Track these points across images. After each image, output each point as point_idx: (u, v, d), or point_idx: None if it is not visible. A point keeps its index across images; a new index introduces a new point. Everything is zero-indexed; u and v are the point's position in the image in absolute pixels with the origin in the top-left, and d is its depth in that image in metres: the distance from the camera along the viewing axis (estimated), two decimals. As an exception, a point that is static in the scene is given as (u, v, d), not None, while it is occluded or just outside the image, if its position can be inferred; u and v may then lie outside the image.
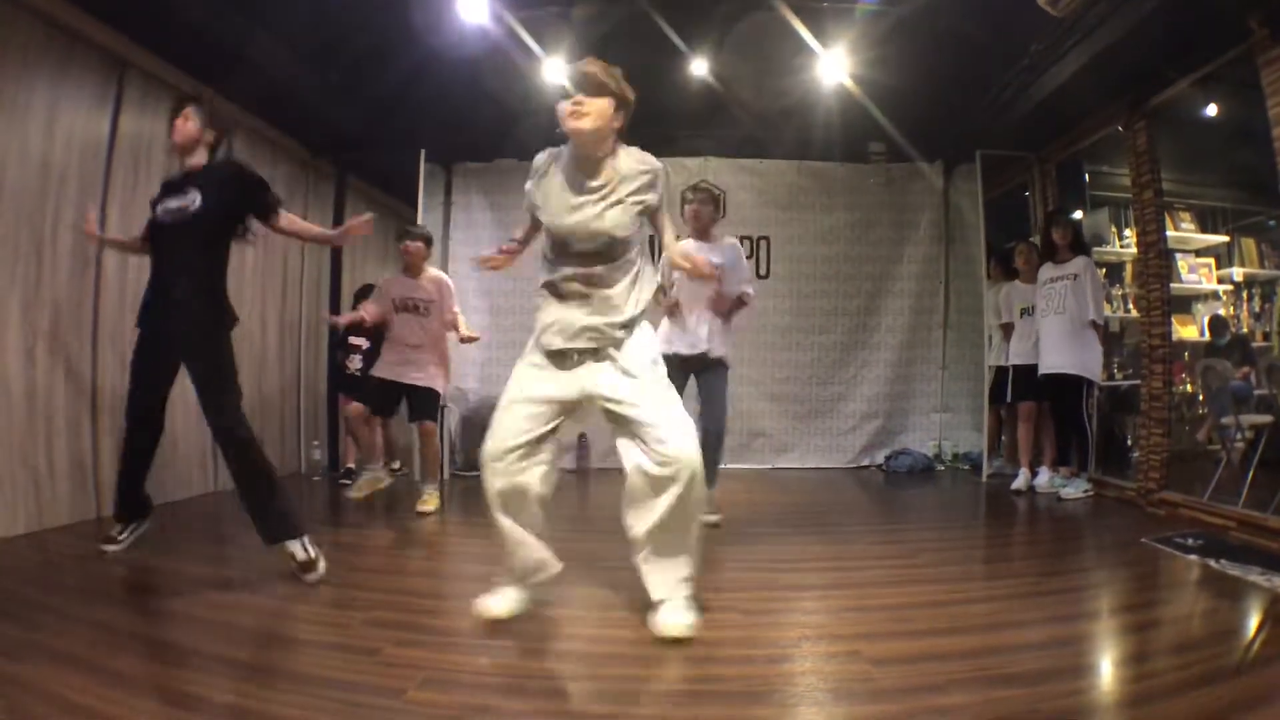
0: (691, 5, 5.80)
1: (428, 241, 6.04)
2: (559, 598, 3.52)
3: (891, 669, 2.66)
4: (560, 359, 3.18)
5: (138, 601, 3.50)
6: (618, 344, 3.16)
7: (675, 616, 3.01)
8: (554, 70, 6.45)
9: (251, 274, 6.91)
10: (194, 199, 3.90)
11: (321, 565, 3.77)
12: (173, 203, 3.95)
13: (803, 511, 5.36)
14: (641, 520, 3.11)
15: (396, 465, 7.73)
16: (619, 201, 3.13)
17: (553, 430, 3.22)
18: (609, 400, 3.12)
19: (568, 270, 3.15)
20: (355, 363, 7.20)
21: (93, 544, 4.24)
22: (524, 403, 3.16)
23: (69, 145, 5.07)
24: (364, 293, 7.42)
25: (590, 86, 3.07)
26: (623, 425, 3.13)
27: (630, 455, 3.12)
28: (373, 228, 4.19)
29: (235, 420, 3.87)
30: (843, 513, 5.91)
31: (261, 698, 2.43)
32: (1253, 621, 3.35)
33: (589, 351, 3.16)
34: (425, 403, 5.90)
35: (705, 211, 5.21)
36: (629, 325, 3.19)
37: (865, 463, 8.21)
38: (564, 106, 3.07)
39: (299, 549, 3.75)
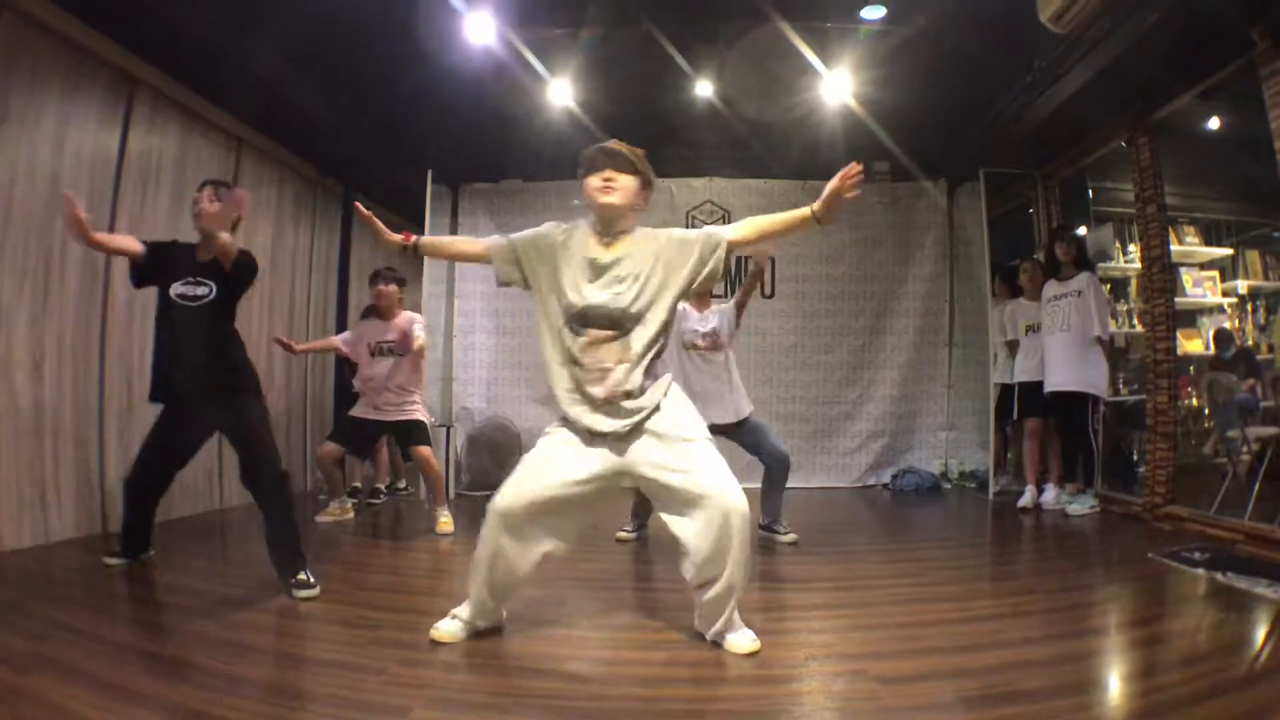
0: (696, 27, 5.84)
1: (400, 284, 6.07)
2: (567, 618, 3.53)
3: (899, 687, 2.66)
4: (594, 436, 3.11)
5: (144, 616, 3.53)
6: (653, 413, 3.09)
7: (741, 637, 3.04)
8: (560, 92, 6.49)
9: (259, 294, 6.93)
10: (210, 289, 4.08)
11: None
12: (188, 289, 4.08)
13: (810, 531, 5.35)
14: (701, 571, 3.03)
15: (402, 485, 7.77)
16: (640, 277, 3.11)
17: (581, 510, 3.22)
18: (652, 470, 3.05)
19: (585, 342, 3.09)
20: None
21: (99, 558, 4.27)
22: (556, 473, 3.11)
23: (78, 161, 5.12)
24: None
25: (621, 163, 3.12)
26: (666, 496, 3.07)
27: (681, 526, 3.05)
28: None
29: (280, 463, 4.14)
30: (849, 532, 5.91)
31: (267, 715, 2.44)
32: (1260, 634, 3.35)
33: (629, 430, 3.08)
34: (413, 433, 5.96)
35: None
36: (660, 391, 3.14)
37: (872, 482, 8.20)
38: (592, 182, 3.12)
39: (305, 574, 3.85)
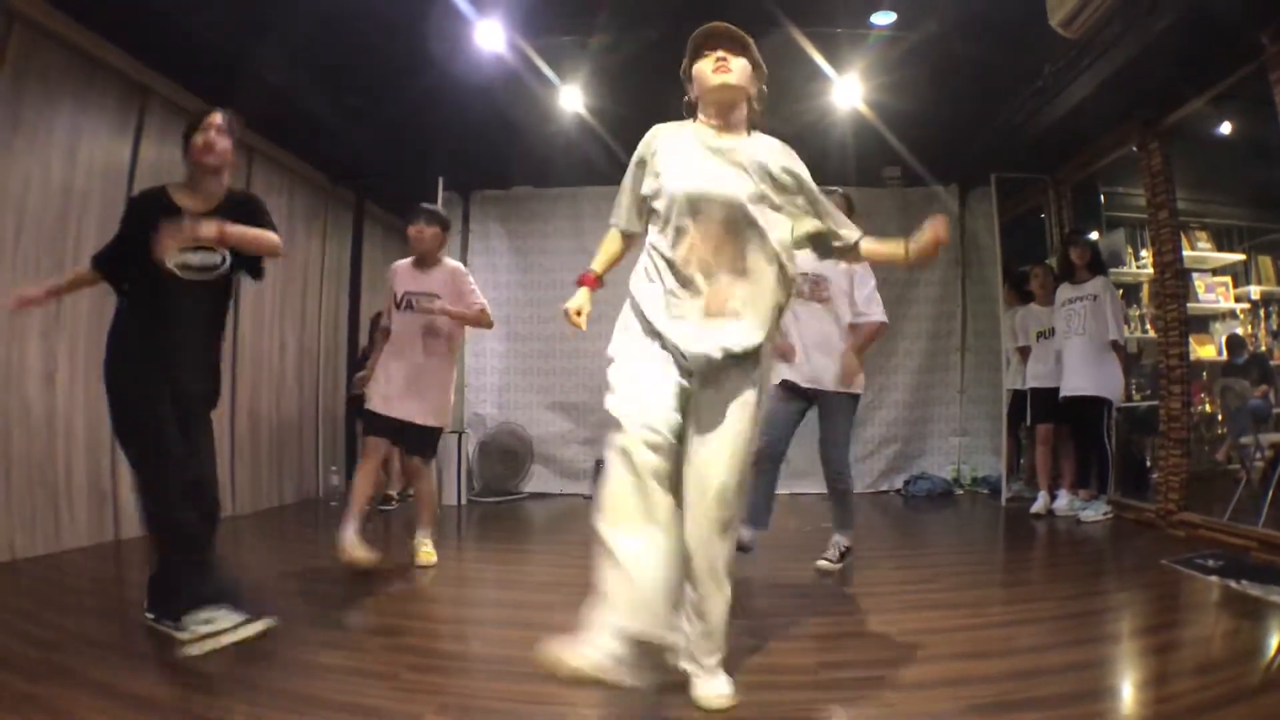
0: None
1: (444, 227, 5.05)
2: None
3: (912, 694, 2.66)
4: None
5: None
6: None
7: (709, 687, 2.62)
8: (570, 98, 6.50)
9: (270, 299, 6.98)
10: (223, 256, 3.41)
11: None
12: (193, 258, 3.34)
13: (822, 537, 5.34)
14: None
15: (411, 492, 7.75)
16: (757, 168, 2.70)
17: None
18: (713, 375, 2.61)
19: (684, 251, 2.62)
20: (356, 380, 7.23)
21: (110, 565, 4.28)
22: (660, 372, 2.60)
23: (90, 171, 5.16)
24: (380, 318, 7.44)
25: (733, 43, 2.73)
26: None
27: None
28: None
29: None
30: (862, 538, 5.88)
31: (279, 722, 2.45)
32: (1274, 642, 3.33)
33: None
34: (423, 439, 4.92)
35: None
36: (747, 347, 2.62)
37: (884, 487, 8.20)
38: (703, 66, 2.74)
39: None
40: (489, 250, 8.34)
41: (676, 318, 2.60)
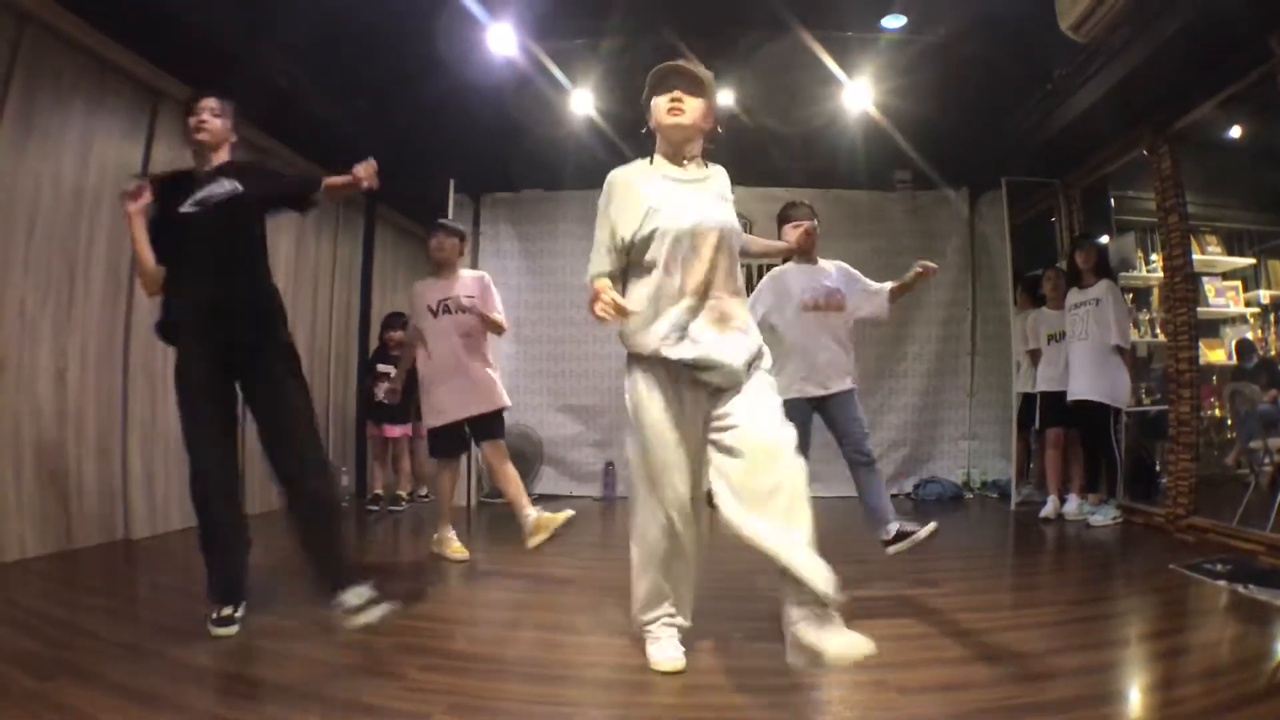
0: (716, 36, 5.85)
1: (461, 238, 5.37)
2: (589, 624, 3.55)
3: (918, 698, 2.66)
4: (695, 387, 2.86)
5: (165, 623, 3.53)
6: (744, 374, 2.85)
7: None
8: (581, 101, 6.52)
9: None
10: (233, 185, 3.47)
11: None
12: (202, 193, 3.44)
13: (830, 539, 5.33)
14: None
15: (424, 492, 7.79)
16: (723, 197, 3.01)
17: None
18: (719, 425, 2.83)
19: (683, 280, 2.81)
20: (384, 390, 7.25)
21: (121, 564, 4.29)
22: (679, 447, 2.86)
23: (103, 173, 5.20)
24: (391, 320, 7.48)
25: (689, 84, 2.94)
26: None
27: (719, 486, 2.75)
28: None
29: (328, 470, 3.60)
30: (870, 541, 5.90)
31: (287, 720, 2.47)
32: (1283, 648, 3.34)
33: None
34: (490, 425, 5.11)
35: (814, 229, 4.73)
36: (755, 352, 2.91)
37: (893, 491, 8.15)
38: (659, 103, 2.95)
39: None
40: (499, 253, 8.35)
41: (694, 340, 2.80)
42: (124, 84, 5.36)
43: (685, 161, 3.03)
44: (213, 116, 3.57)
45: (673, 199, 2.88)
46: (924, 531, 4.23)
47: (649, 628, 3.05)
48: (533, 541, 4.71)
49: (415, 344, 5.26)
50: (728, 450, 2.74)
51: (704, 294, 2.83)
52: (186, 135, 3.60)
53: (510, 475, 5.01)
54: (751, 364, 2.86)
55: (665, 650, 2.97)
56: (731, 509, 2.66)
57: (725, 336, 2.82)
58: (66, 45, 4.89)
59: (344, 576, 3.31)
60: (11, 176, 4.61)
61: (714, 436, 2.81)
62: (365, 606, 3.21)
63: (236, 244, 3.50)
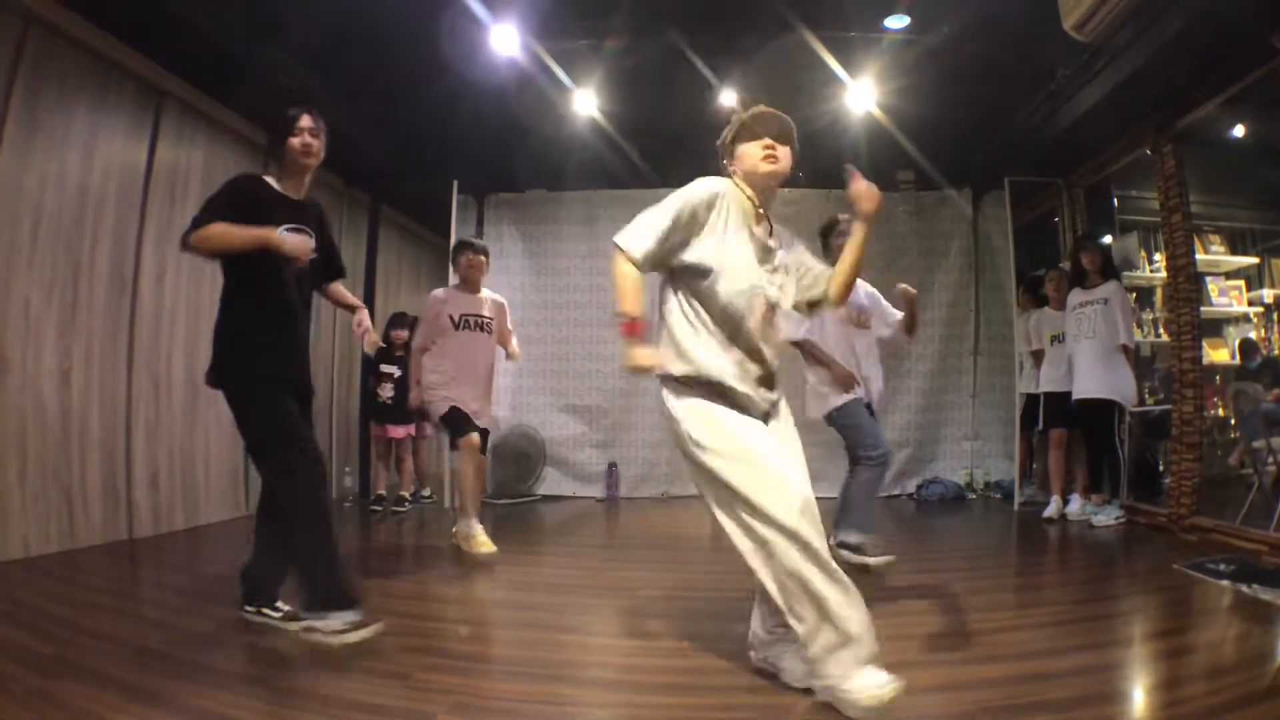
0: (720, 37, 5.86)
1: (487, 255, 5.59)
2: (590, 625, 3.55)
3: (923, 698, 2.65)
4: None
5: (168, 621, 3.55)
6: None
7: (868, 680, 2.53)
8: (585, 102, 6.52)
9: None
10: (311, 240, 3.44)
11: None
12: (291, 225, 3.38)
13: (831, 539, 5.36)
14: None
15: (427, 493, 7.80)
16: (785, 270, 3.02)
17: None
18: None
19: (743, 350, 2.84)
20: (387, 390, 7.26)
21: (124, 563, 4.30)
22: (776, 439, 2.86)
23: (107, 172, 5.22)
24: (395, 320, 7.49)
25: (781, 131, 2.90)
26: None
27: None
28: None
29: None
30: (874, 542, 5.90)
31: (290, 719, 2.48)
32: (1286, 647, 3.34)
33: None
34: (486, 438, 5.58)
35: None
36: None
37: (897, 492, 8.19)
38: (750, 149, 2.87)
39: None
40: (503, 253, 8.34)
41: (750, 376, 2.84)
42: (128, 83, 5.37)
43: (766, 207, 2.96)
44: (315, 137, 3.47)
45: (747, 262, 2.84)
46: (879, 560, 4.46)
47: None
48: (453, 540, 5.16)
49: (420, 349, 5.40)
50: None
51: (757, 341, 2.86)
52: (288, 155, 3.45)
53: (477, 483, 5.26)
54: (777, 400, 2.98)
55: (874, 678, 2.54)
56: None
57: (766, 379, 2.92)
58: (71, 45, 4.90)
59: (321, 596, 3.12)
60: (16, 176, 4.63)
61: None
62: (346, 631, 3.06)
63: (308, 295, 3.60)
